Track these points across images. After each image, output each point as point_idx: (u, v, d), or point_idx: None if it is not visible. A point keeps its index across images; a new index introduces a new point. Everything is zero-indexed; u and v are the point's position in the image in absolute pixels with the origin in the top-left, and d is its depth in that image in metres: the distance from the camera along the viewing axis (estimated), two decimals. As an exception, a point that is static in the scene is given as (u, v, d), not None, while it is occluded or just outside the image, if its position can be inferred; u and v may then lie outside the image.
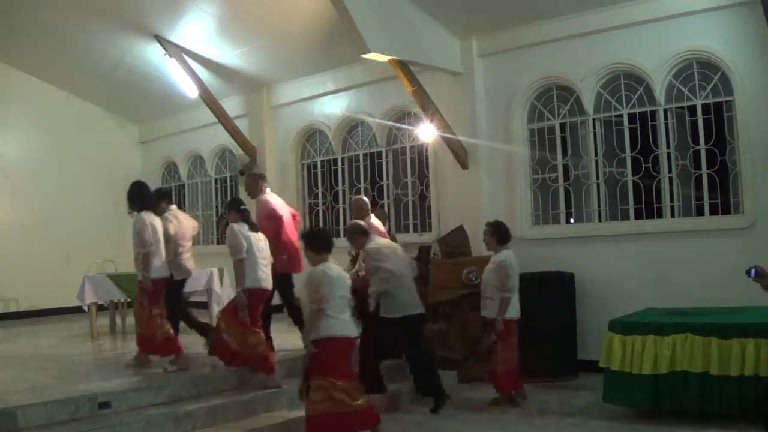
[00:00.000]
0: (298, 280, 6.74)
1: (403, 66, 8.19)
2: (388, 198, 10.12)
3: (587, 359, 7.32)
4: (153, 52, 10.66)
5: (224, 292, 9.13)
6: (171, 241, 6.87)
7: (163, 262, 6.59)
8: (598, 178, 8.04)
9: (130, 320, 9.85)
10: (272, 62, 10.52)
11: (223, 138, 11.79)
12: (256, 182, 7.46)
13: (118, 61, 11.16)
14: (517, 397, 6.58)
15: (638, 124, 7.72)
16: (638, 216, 7.72)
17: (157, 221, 6.62)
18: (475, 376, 7.46)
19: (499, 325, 6.38)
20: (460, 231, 8.29)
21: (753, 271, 4.81)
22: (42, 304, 12.05)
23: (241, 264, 6.24)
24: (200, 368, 6.38)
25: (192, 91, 10.87)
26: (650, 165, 7.61)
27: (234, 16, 9.51)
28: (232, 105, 11.54)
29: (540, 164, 8.47)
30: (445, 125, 8.63)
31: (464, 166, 8.77)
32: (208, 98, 10.95)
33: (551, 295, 7.54)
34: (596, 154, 8.04)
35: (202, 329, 7.32)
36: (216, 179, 12.68)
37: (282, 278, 7.07)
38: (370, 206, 7.63)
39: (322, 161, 11.04)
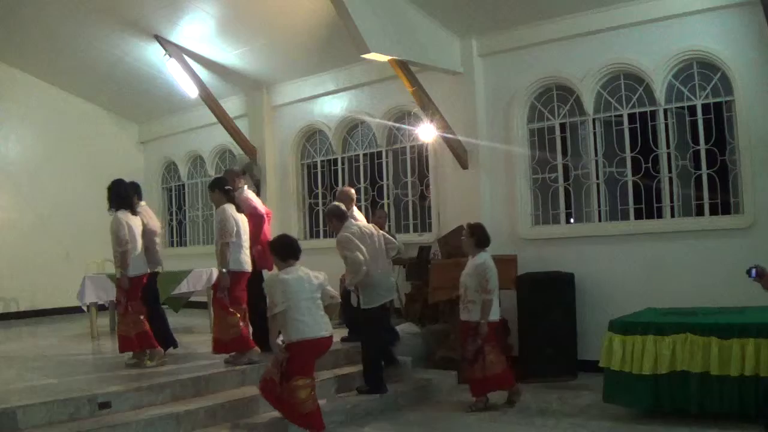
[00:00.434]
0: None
1: (403, 66, 8.19)
2: (388, 198, 10.12)
3: (587, 359, 7.32)
4: (153, 52, 10.66)
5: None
6: (146, 236, 6.88)
7: (140, 260, 6.64)
8: (598, 178, 8.04)
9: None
10: (272, 62, 10.52)
11: (223, 138, 11.79)
12: (233, 180, 7.37)
13: (118, 61, 11.15)
14: (512, 395, 6.53)
15: (638, 124, 7.73)
16: (638, 216, 7.72)
17: (133, 220, 6.65)
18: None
19: (483, 328, 6.27)
20: (460, 231, 8.26)
21: (753, 271, 4.82)
22: (42, 304, 12.05)
23: (228, 247, 6.36)
24: (200, 368, 6.38)
25: (192, 91, 10.87)
26: (650, 165, 7.61)
27: (234, 16, 9.50)
28: (232, 105, 11.54)
29: (540, 164, 8.47)
30: (445, 125, 8.63)
31: (464, 166, 8.77)
32: (208, 98, 10.95)
33: (551, 295, 7.54)
34: (596, 154, 8.04)
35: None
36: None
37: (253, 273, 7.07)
38: (354, 197, 7.65)
39: (322, 161, 11.04)
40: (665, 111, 7.54)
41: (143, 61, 11.04)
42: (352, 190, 7.71)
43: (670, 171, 7.52)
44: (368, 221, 7.56)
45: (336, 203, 6.95)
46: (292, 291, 5.25)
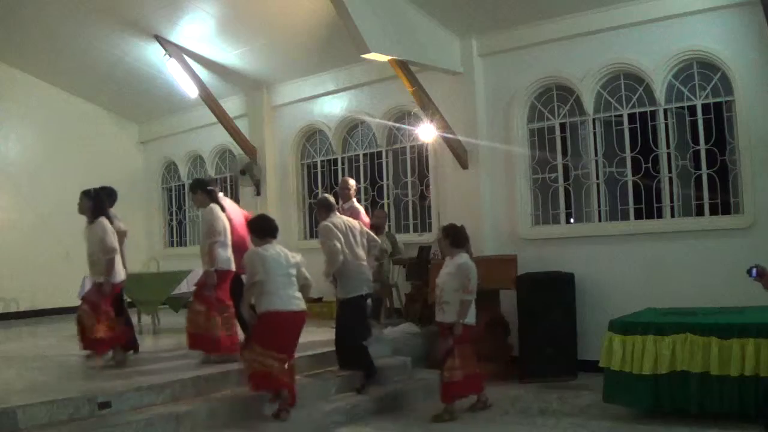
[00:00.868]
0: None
1: (403, 66, 8.19)
2: (388, 198, 10.12)
3: (587, 359, 7.31)
4: (153, 52, 10.65)
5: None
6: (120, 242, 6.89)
7: (120, 266, 6.71)
8: (598, 178, 8.04)
9: (130, 320, 9.91)
10: (272, 62, 10.52)
11: (223, 138, 11.78)
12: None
13: (118, 61, 11.15)
14: (480, 402, 6.36)
15: (638, 124, 7.73)
16: (638, 216, 7.73)
17: (110, 227, 6.64)
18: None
19: (458, 328, 6.09)
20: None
21: (754, 270, 4.82)
22: (42, 304, 12.04)
23: (215, 246, 6.41)
24: (200, 368, 6.38)
25: (192, 91, 10.87)
26: (650, 165, 7.61)
27: (234, 16, 9.50)
28: (232, 105, 11.54)
29: (540, 164, 8.47)
30: (445, 125, 8.63)
31: (464, 166, 8.77)
32: (208, 98, 10.95)
33: (551, 295, 7.54)
34: (596, 154, 8.04)
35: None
36: (216, 179, 12.67)
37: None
38: (353, 188, 7.67)
39: (322, 161, 11.04)
40: (665, 111, 7.54)
41: (143, 61, 11.04)
42: (351, 180, 7.80)
43: (670, 171, 7.53)
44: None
45: (326, 195, 7.10)
46: (269, 265, 5.58)
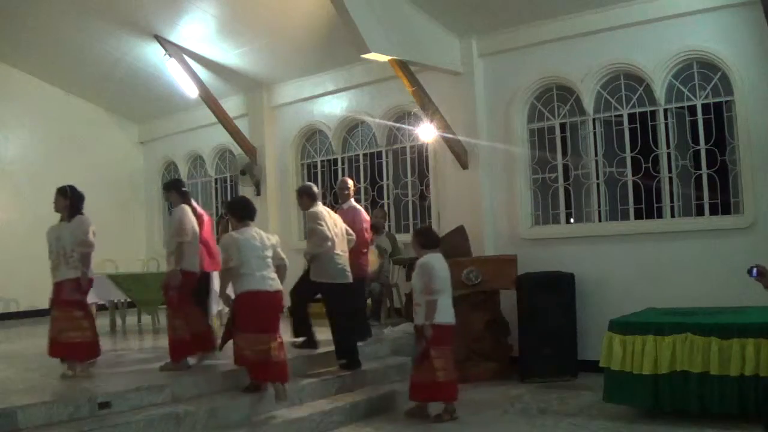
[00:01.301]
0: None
1: (403, 66, 8.19)
2: (388, 198, 10.12)
3: (587, 359, 7.32)
4: (153, 52, 10.65)
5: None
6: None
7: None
8: (598, 178, 8.04)
9: (131, 320, 9.92)
10: (272, 62, 10.52)
11: (223, 138, 11.78)
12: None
13: (117, 61, 11.15)
14: (448, 411, 6.14)
15: (638, 124, 7.73)
16: (638, 216, 7.73)
17: (92, 226, 6.81)
18: (476, 376, 7.48)
19: (427, 330, 5.97)
20: (460, 231, 8.28)
21: (754, 270, 4.82)
22: (42, 304, 11.90)
23: (183, 246, 6.39)
24: (200, 368, 6.38)
25: (192, 91, 10.87)
26: (650, 165, 7.62)
27: (234, 16, 9.50)
28: (232, 105, 11.53)
29: (540, 164, 8.47)
30: (445, 125, 8.63)
31: (464, 166, 8.77)
32: (208, 98, 10.94)
33: (551, 295, 7.54)
34: (596, 154, 8.04)
35: None
36: (216, 179, 12.67)
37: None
38: (352, 188, 7.73)
39: (322, 161, 11.04)
40: (665, 111, 7.54)
41: (143, 61, 11.04)
42: (350, 181, 7.83)
43: (670, 171, 7.53)
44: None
45: (309, 183, 7.41)
46: (243, 248, 5.71)
